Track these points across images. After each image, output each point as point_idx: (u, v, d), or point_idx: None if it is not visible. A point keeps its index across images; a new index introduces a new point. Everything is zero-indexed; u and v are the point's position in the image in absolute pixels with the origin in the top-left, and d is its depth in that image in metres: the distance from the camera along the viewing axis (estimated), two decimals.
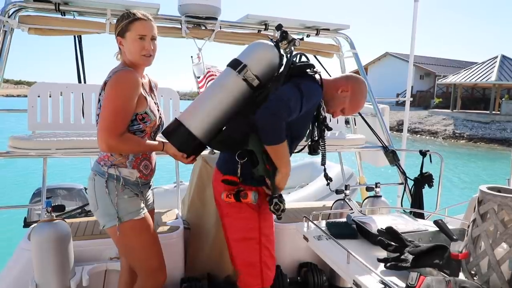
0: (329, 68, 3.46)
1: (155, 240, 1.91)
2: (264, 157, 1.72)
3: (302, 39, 3.53)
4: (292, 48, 1.87)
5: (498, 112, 22.43)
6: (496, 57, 24.13)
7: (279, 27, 1.90)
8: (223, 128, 1.84)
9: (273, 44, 1.86)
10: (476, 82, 23.46)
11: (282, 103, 1.61)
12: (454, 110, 24.48)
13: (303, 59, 1.90)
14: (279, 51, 1.86)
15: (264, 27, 3.29)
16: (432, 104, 28.13)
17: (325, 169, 2.09)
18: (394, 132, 22.73)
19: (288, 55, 1.86)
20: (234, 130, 1.80)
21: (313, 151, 2.00)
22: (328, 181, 2.11)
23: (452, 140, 20.81)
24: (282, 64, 1.87)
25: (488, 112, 22.86)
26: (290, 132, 1.76)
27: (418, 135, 22.64)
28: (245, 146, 1.75)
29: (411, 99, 4.39)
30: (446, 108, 25.81)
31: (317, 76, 1.86)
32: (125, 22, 1.76)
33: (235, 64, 1.80)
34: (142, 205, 1.86)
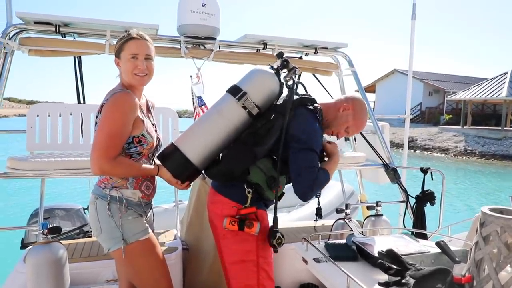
0: (328, 86, 3.48)
1: (162, 260, 1.86)
2: (270, 184, 1.74)
3: (300, 57, 3.55)
4: (294, 77, 1.86)
5: (510, 128, 21.99)
6: (506, 72, 23.89)
7: (280, 55, 1.90)
8: (221, 157, 1.82)
9: (273, 72, 1.86)
10: (487, 98, 23.12)
11: (307, 171, 1.70)
12: (464, 127, 24.08)
13: (300, 85, 1.91)
14: (279, 80, 1.86)
15: (262, 46, 3.31)
16: (442, 121, 27.83)
17: (318, 203, 2.13)
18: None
19: (290, 86, 1.86)
20: (234, 162, 1.77)
21: None
22: (317, 218, 2.19)
23: (464, 157, 20.29)
24: (282, 93, 1.88)
25: (499, 128, 22.40)
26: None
27: (429, 152, 22.18)
28: (244, 175, 1.75)
29: (411, 116, 4.39)
30: (456, 124, 25.47)
31: (314, 107, 1.87)
32: (120, 43, 1.77)
33: (235, 91, 1.79)
34: (147, 225, 1.83)
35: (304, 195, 1.71)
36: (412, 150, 22.47)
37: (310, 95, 1.91)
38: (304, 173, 1.69)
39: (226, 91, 1.83)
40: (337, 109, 1.94)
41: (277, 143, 1.74)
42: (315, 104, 1.88)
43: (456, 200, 11.29)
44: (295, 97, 1.84)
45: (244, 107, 1.76)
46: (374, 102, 36.27)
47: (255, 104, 1.77)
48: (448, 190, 12.25)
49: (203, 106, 3.37)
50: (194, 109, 3.48)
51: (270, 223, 1.91)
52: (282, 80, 1.86)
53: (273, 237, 1.75)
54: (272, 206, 1.99)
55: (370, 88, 36.22)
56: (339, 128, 1.97)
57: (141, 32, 1.79)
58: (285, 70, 1.86)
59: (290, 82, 1.87)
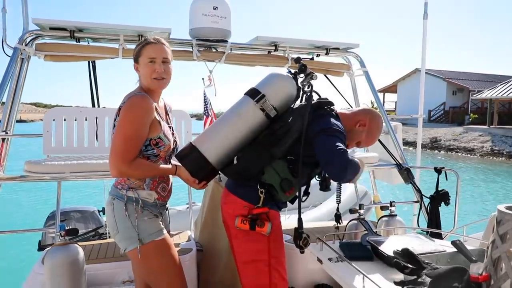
0: (340, 87, 3.47)
1: (176, 260, 1.88)
2: (283, 186, 1.75)
3: (312, 58, 3.55)
4: (311, 82, 1.89)
5: None
6: None
7: (298, 60, 1.94)
8: (238, 156, 1.84)
9: (291, 76, 1.89)
10: None
11: (338, 151, 1.67)
12: (491, 126, 23.15)
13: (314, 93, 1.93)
14: (297, 84, 1.89)
15: (274, 48, 3.33)
16: (467, 120, 26.86)
17: (338, 209, 2.17)
18: (428, 150, 21.84)
19: (307, 91, 1.89)
20: (250, 161, 1.80)
21: (325, 187, 1.99)
22: (339, 223, 2.22)
23: (491, 158, 19.40)
24: (298, 97, 1.91)
25: None
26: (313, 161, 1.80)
27: (454, 153, 21.20)
28: (260, 175, 1.77)
29: (424, 115, 4.35)
30: (482, 124, 24.37)
31: (334, 113, 1.90)
32: (138, 48, 1.81)
33: (253, 93, 1.82)
34: (162, 226, 1.86)
35: (339, 175, 1.69)
36: (436, 151, 21.96)
37: (327, 99, 1.94)
38: (336, 154, 1.66)
39: (245, 94, 1.87)
40: (353, 124, 1.96)
41: (294, 145, 1.76)
42: (332, 107, 1.91)
43: (482, 202, 10.98)
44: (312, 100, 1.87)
45: (262, 109, 1.80)
46: (396, 102, 35.60)
47: (273, 107, 1.81)
48: (472, 190, 12.01)
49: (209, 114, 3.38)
50: (208, 112, 3.50)
51: (283, 223, 1.92)
52: (299, 85, 1.90)
53: (299, 238, 1.77)
54: (285, 209, 2.00)
55: (392, 88, 35.46)
56: (350, 141, 1.99)
57: (157, 37, 1.83)
58: (301, 74, 1.89)
59: (306, 87, 1.90)
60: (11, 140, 2.85)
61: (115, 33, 2.92)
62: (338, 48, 3.51)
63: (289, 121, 1.80)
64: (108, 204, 1.84)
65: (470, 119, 26.83)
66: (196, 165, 1.82)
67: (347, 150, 1.73)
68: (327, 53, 3.50)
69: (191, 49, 3.10)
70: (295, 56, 3.42)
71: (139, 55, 1.80)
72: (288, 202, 1.90)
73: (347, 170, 1.66)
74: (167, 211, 2.03)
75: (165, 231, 1.86)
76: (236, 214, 1.80)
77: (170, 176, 1.96)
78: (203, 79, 3.33)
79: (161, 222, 1.87)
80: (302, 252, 1.80)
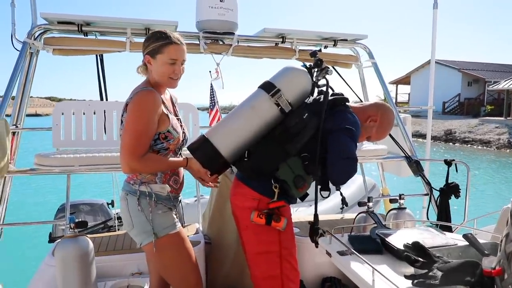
0: (348, 79, 3.43)
1: (191, 254, 1.88)
2: (297, 182, 1.74)
3: (320, 50, 3.51)
4: (327, 77, 1.86)
5: None
6: None
7: (314, 54, 1.91)
8: (251, 151, 1.82)
9: (306, 71, 1.86)
10: None
11: (349, 162, 1.71)
12: (508, 118, 22.47)
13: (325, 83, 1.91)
14: (312, 78, 1.86)
15: (281, 40, 3.30)
16: (483, 112, 26.24)
17: (341, 193, 1.99)
18: (442, 143, 21.55)
19: (322, 86, 1.87)
20: (265, 158, 1.78)
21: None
22: (343, 206, 2.06)
23: (508, 150, 18.89)
24: (313, 92, 1.89)
25: None
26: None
27: (469, 145, 20.73)
28: (274, 172, 1.75)
29: (435, 107, 4.28)
30: (498, 115, 23.61)
31: (346, 106, 1.88)
32: (159, 44, 1.75)
33: (269, 87, 1.79)
34: (176, 219, 1.86)
35: (338, 184, 1.76)
36: (451, 143, 21.50)
37: (342, 94, 1.92)
38: (346, 163, 1.69)
39: (259, 87, 1.83)
40: (364, 119, 1.94)
41: (310, 142, 1.75)
42: (347, 104, 1.89)
43: (498, 196, 10.84)
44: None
45: (277, 104, 1.77)
46: (409, 94, 35.13)
47: (288, 102, 1.77)
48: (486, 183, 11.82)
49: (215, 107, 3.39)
50: (214, 105, 3.50)
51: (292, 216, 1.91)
52: (314, 79, 1.87)
53: (315, 233, 1.76)
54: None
55: (405, 80, 34.92)
56: (361, 136, 1.97)
57: (179, 36, 1.81)
58: (316, 69, 1.86)
59: (320, 82, 1.88)
60: (21, 133, 2.87)
61: (122, 26, 2.92)
62: (346, 40, 3.47)
63: (304, 118, 1.76)
64: (121, 199, 1.84)
65: (486, 111, 26.20)
66: (208, 158, 1.80)
67: (356, 157, 1.73)
68: (335, 45, 3.46)
69: (198, 42, 3.08)
70: (302, 48, 3.41)
71: (159, 51, 1.75)
72: (298, 198, 1.89)
73: (347, 179, 1.73)
74: (180, 204, 2.03)
75: (179, 224, 1.86)
76: (245, 206, 1.80)
77: (181, 168, 1.95)
78: (210, 71, 3.32)
79: (175, 215, 1.87)
80: (317, 247, 1.81)
